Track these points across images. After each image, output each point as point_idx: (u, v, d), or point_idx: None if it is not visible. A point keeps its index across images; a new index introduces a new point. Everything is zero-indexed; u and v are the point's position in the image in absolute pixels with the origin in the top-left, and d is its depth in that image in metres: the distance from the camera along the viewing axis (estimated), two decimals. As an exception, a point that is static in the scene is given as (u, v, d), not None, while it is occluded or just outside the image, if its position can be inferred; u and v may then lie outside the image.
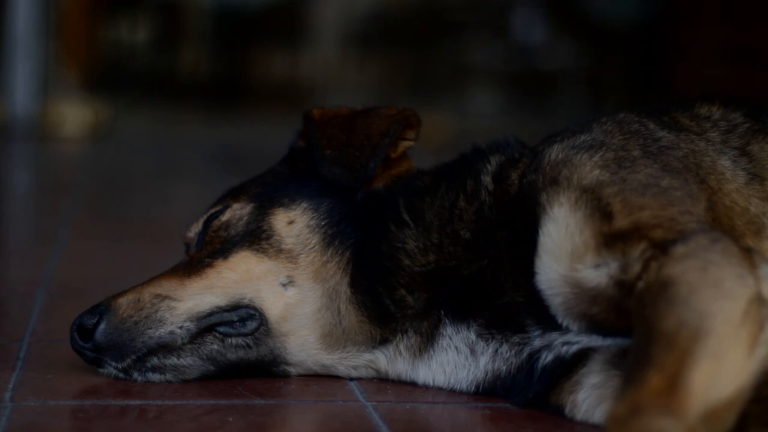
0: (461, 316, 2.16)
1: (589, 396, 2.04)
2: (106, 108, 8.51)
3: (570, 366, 2.06)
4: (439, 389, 2.20)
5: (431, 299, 2.18)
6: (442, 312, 2.18)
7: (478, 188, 2.21)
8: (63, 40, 9.03)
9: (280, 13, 12.53)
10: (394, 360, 2.23)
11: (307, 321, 2.21)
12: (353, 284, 2.21)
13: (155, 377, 2.19)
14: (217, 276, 2.22)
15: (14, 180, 6.07)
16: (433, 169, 2.33)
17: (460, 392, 2.18)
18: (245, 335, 2.19)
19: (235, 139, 8.36)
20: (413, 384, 2.23)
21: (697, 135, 2.19)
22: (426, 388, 2.22)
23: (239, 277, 2.21)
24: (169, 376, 2.19)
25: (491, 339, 2.14)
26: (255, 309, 2.20)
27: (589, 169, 2.05)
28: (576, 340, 2.07)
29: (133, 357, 2.16)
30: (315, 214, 2.26)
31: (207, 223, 2.31)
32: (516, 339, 2.12)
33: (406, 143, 2.33)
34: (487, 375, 2.16)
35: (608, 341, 2.05)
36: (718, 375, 1.71)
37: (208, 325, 2.18)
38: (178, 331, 2.16)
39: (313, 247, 2.23)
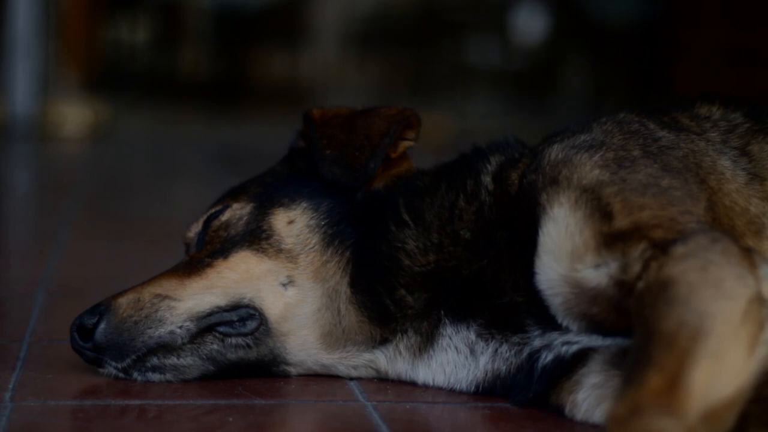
0: (461, 316, 2.16)
1: (589, 396, 2.04)
2: (106, 108, 8.52)
3: (570, 366, 2.06)
4: (438, 389, 2.20)
5: (431, 299, 2.18)
6: (442, 312, 2.18)
7: (478, 188, 2.21)
8: (63, 40, 9.03)
9: (280, 13, 12.54)
10: (394, 360, 2.23)
11: (307, 321, 2.21)
12: (353, 284, 2.21)
13: (155, 377, 2.19)
14: (217, 276, 2.21)
15: (14, 180, 6.06)
16: (433, 169, 2.33)
17: (460, 392, 2.18)
18: (245, 335, 2.19)
19: (235, 139, 8.36)
20: (413, 384, 2.23)
21: (697, 135, 2.19)
22: (426, 387, 2.21)
23: (239, 277, 2.21)
24: (169, 376, 2.19)
25: (491, 339, 2.14)
26: (255, 309, 2.20)
27: (589, 169, 2.05)
28: (576, 340, 2.07)
29: (133, 357, 2.16)
30: (315, 214, 2.26)
31: (207, 223, 2.31)
32: (516, 339, 2.12)
33: (406, 143, 2.33)
34: (486, 375, 2.16)
35: (608, 341, 2.05)
36: (718, 375, 1.71)
37: (208, 324, 2.18)
38: (178, 330, 2.16)
39: (313, 247, 2.23)
